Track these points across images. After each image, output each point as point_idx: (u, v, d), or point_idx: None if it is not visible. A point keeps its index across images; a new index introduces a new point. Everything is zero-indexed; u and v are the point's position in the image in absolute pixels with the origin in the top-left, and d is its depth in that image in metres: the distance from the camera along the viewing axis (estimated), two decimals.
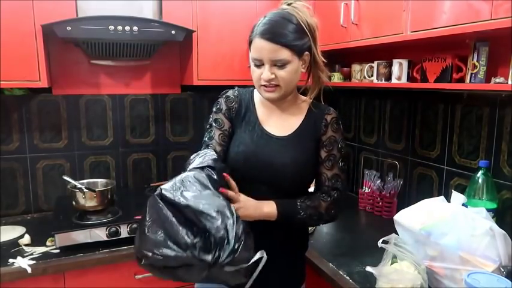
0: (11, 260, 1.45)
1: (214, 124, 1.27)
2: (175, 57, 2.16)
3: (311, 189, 1.31)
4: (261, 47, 1.12)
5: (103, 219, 1.65)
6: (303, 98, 1.30)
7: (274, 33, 1.12)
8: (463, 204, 1.32)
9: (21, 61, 1.58)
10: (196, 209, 0.90)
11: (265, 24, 1.13)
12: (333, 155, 1.23)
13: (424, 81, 1.57)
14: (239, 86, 1.35)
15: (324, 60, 1.24)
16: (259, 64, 1.15)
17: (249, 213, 1.11)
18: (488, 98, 1.53)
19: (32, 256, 1.49)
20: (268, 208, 1.16)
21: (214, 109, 1.29)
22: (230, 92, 1.30)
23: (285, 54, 1.13)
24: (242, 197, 1.12)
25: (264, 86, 1.17)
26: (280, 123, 1.25)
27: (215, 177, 1.02)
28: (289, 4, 1.18)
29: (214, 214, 0.90)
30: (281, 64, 1.14)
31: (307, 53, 1.18)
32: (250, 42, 1.17)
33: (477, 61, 1.36)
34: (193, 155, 1.17)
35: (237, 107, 1.27)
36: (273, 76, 1.14)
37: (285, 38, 1.12)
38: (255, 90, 1.29)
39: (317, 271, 1.45)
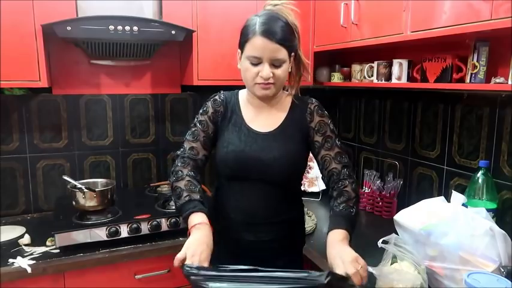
0: (11, 260, 1.45)
1: (199, 125, 1.30)
2: (175, 57, 2.16)
3: (313, 188, 1.31)
4: (263, 45, 1.14)
5: (103, 219, 1.65)
6: (286, 93, 1.32)
7: (274, 32, 1.14)
8: (463, 204, 1.32)
9: (21, 61, 1.58)
10: None
11: (264, 23, 1.14)
12: (329, 137, 1.25)
13: (424, 81, 1.57)
14: (239, 86, 1.35)
15: (308, 61, 1.28)
16: (257, 62, 1.16)
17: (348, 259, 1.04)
18: (488, 98, 1.53)
19: (32, 256, 1.49)
20: (346, 239, 1.12)
21: (200, 111, 1.33)
22: (217, 96, 1.33)
23: (283, 53, 1.16)
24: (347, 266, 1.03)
25: (260, 83, 1.18)
26: (267, 121, 1.27)
27: None
28: (275, 5, 1.20)
29: None
30: (278, 63, 1.17)
31: (293, 53, 1.22)
32: (245, 42, 1.18)
33: (477, 61, 1.37)
34: (178, 164, 1.26)
35: (223, 110, 1.30)
36: (271, 74, 1.16)
37: (283, 38, 1.15)
38: (240, 92, 1.33)
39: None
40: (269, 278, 0.95)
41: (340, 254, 1.05)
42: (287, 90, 1.32)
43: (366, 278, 1.03)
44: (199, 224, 1.11)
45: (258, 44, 1.14)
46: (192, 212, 1.14)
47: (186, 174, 1.23)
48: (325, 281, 0.92)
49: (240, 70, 1.24)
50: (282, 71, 1.18)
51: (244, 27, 1.20)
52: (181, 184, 1.21)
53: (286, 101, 1.30)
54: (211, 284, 0.96)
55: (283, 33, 1.15)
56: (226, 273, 0.97)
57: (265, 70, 1.15)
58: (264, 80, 1.17)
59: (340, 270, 1.01)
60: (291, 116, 1.27)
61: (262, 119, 1.28)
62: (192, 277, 0.98)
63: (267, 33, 1.13)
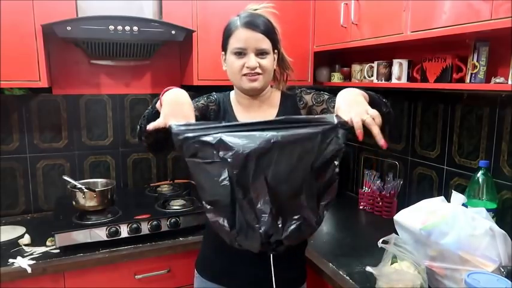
0: (11, 260, 1.45)
1: None
2: (175, 57, 2.16)
3: None
4: (246, 36, 1.16)
5: (103, 219, 1.65)
6: (274, 89, 1.33)
7: (257, 24, 1.17)
8: (463, 204, 1.32)
9: (21, 61, 1.58)
10: None
11: (246, 17, 1.18)
12: (330, 98, 1.24)
13: (424, 81, 1.57)
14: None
15: (291, 59, 1.30)
16: (242, 54, 1.18)
17: (356, 107, 0.94)
18: (488, 98, 1.53)
19: (32, 256, 1.49)
20: (360, 94, 1.02)
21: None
22: (211, 95, 1.34)
23: (266, 44, 1.18)
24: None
25: (247, 74, 1.18)
26: (259, 118, 1.26)
27: None
28: (255, 10, 1.22)
29: None
30: (263, 53, 1.18)
31: (276, 50, 1.23)
32: (228, 37, 1.20)
33: (477, 61, 1.37)
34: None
35: (217, 109, 1.30)
36: (257, 64, 1.17)
37: (266, 30, 1.17)
38: (231, 92, 1.33)
39: (317, 271, 1.45)
40: (276, 123, 0.91)
41: (349, 102, 0.96)
42: (273, 87, 1.32)
43: (376, 130, 0.88)
44: (169, 88, 1.05)
45: (241, 35, 1.16)
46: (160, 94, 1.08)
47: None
48: (335, 121, 0.87)
49: (226, 71, 1.25)
50: (267, 61, 1.19)
51: (226, 26, 1.22)
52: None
53: (276, 97, 1.30)
54: (217, 135, 0.87)
55: (264, 25, 1.18)
56: (225, 127, 0.90)
57: (251, 60, 1.16)
58: (251, 69, 1.17)
59: (344, 114, 0.92)
60: (282, 110, 1.28)
61: (254, 117, 1.27)
62: (187, 134, 0.88)
63: (249, 24, 1.16)
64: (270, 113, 1.27)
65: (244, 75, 1.19)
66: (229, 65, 1.21)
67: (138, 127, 1.20)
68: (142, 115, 1.20)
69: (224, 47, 1.23)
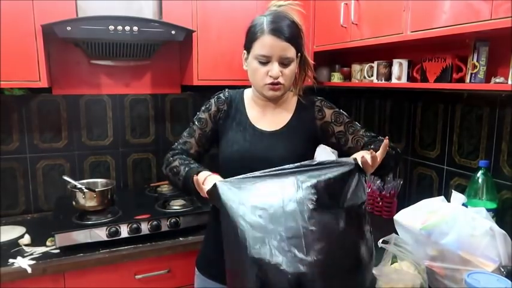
0: (11, 260, 1.45)
1: (197, 123, 1.31)
2: (175, 57, 2.16)
3: None
4: (272, 44, 1.14)
5: (103, 219, 1.65)
6: (291, 93, 1.32)
7: (283, 30, 1.14)
8: (463, 204, 1.32)
9: (21, 61, 1.58)
10: None
11: (273, 22, 1.15)
12: (349, 122, 1.26)
13: (424, 81, 1.57)
14: (239, 86, 1.35)
15: (313, 62, 1.29)
16: (266, 61, 1.16)
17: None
18: (488, 98, 1.54)
19: (32, 256, 1.49)
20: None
21: (203, 108, 1.33)
22: (221, 94, 1.32)
23: (292, 52, 1.17)
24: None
25: (270, 84, 1.18)
26: (272, 120, 1.27)
27: None
28: (279, 6, 1.20)
29: None
30: (287, 62, 1.17)
31: (299, 53, 1.22)
32: (253, 41, 1.18)
33: (477, 61, 1.37)
34: (169, 154, 1.29)
35: (226, 108, 1.29)
36: (280, 74, 1.17)
37: (291, 36, 1.16)
38: (246, 90, 1.32)
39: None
40: (298, 168, 1.01)
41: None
42: (291, 91, 1.32)
43: (370, 159, 1.02)
44: (213, 173, 1.14)
45: (267, 42, 1.15)
46: (200, 171, 1.15)
47: (178, 158, 1.26)
48: (354, 163, 1.01)
49: (246, 71, 1.24)
50: (290, 71, 1.18)
51: (251, 27, 1.20)
52: (176, 163, 1.24)
53: (292, 101, 1.30)
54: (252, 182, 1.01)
55: (291, 32, 1.16)
56: (255, 176, 1.03)
57: (275, 68, 1.15)
58: (274, 78, 1.16)
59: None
60: (297, 115, 1.27)
61: (268, 118, 1.27)
62: (226, 184, 1.01)
63: (276, 31, 1.14)
64: (284, 117, 1.27)
65: (266, 84, 1.18)
66: (252, 71, 1.21)
67: (174, 168, 1.26)
68: (177, 166, 1.25)
69: (247, 48, 1.22)
